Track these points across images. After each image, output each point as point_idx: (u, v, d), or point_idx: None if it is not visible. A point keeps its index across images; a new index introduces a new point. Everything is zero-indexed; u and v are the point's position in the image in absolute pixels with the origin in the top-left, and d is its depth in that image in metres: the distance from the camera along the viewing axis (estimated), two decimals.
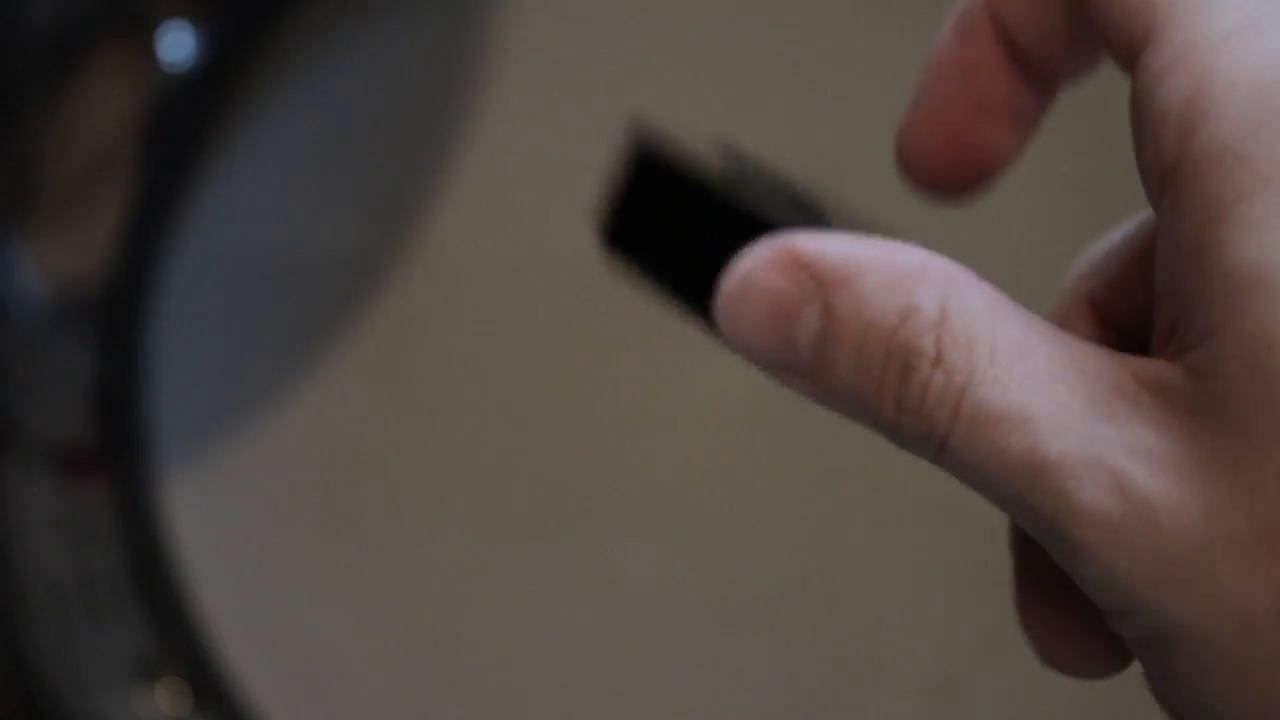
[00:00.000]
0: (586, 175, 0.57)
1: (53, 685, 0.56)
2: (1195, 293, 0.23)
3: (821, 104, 0.56)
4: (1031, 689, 0.54)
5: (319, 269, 0.57)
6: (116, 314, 0.56)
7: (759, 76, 0.57)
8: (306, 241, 0.57)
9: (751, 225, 0.29)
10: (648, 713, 0.55)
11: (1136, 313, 0.28)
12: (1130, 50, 0.26)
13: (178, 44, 0.57)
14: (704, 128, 0.58)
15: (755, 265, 0.26)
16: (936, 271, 0.26)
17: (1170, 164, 0.25)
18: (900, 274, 0.25)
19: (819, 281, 0.26)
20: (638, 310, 0.57)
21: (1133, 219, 0.28)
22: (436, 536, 0.56)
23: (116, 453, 0.56)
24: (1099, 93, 0.54)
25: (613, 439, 0.56)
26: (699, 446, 0.56)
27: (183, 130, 0.57)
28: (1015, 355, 0.24)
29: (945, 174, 0.31)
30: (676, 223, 0.29)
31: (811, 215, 0.30)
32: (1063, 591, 0.28)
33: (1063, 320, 0.29)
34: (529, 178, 0.57)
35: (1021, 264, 0.55)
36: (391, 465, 0.56)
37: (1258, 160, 0.23)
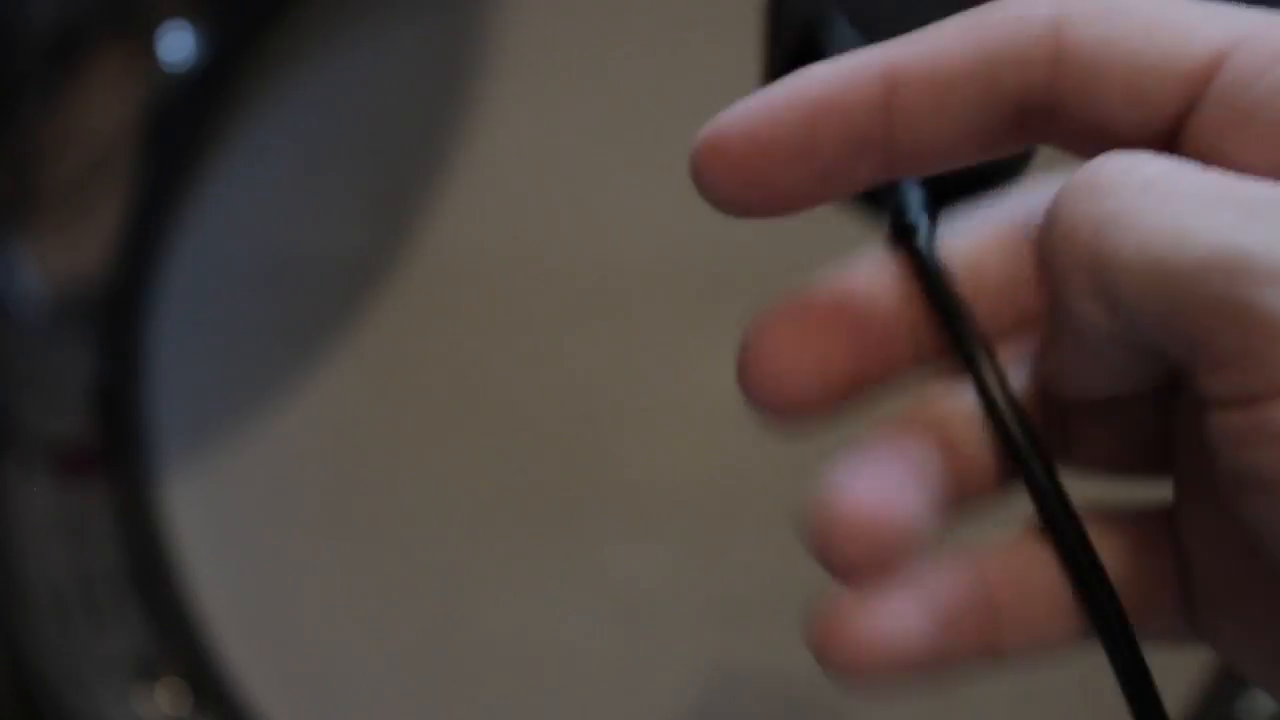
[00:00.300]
0: (586, 175, 0.57)
1: (53, 685, 0.56)
2: None
3: None
4: (1032, 689, 0.54)
5: (319, 269, 0.57)
6: (116, 314, 0.56)
7: (759, 76, 0.57)
8: (306, 241, 0.57)
9: None
10: (648, 713, 0.55)
11: None
12: (1192, 73, 0.24)
13: (178, 44, 0.57)
14: (703, 128, 0.58)
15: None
16: None
17: None
18: None
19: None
20: (638, 310, 0.57)
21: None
22: (436, 536, 0.56)
23: (116, 453, 0.56)
24: None
25: (613, 439, 0.56)
26: (699, 446, 0.56)
27: (183, 130, 0.57)
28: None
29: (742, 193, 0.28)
30: None
31: None
32: None
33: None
34: (529, 178, 0.57)
35: None
36: (391, 465, 0.56)
37: None
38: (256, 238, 0.57)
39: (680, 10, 0.57)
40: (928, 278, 0.27)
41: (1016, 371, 0.27)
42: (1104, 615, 0.25)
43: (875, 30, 0.27)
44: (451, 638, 0.55)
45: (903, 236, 0.27)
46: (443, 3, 0.57)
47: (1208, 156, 0.24)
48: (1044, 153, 0.27)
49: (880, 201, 0.28)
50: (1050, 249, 0.24)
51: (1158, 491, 0.28)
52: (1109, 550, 0.27)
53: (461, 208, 0.57)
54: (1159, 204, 0.22)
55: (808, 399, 0.27)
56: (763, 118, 0.27)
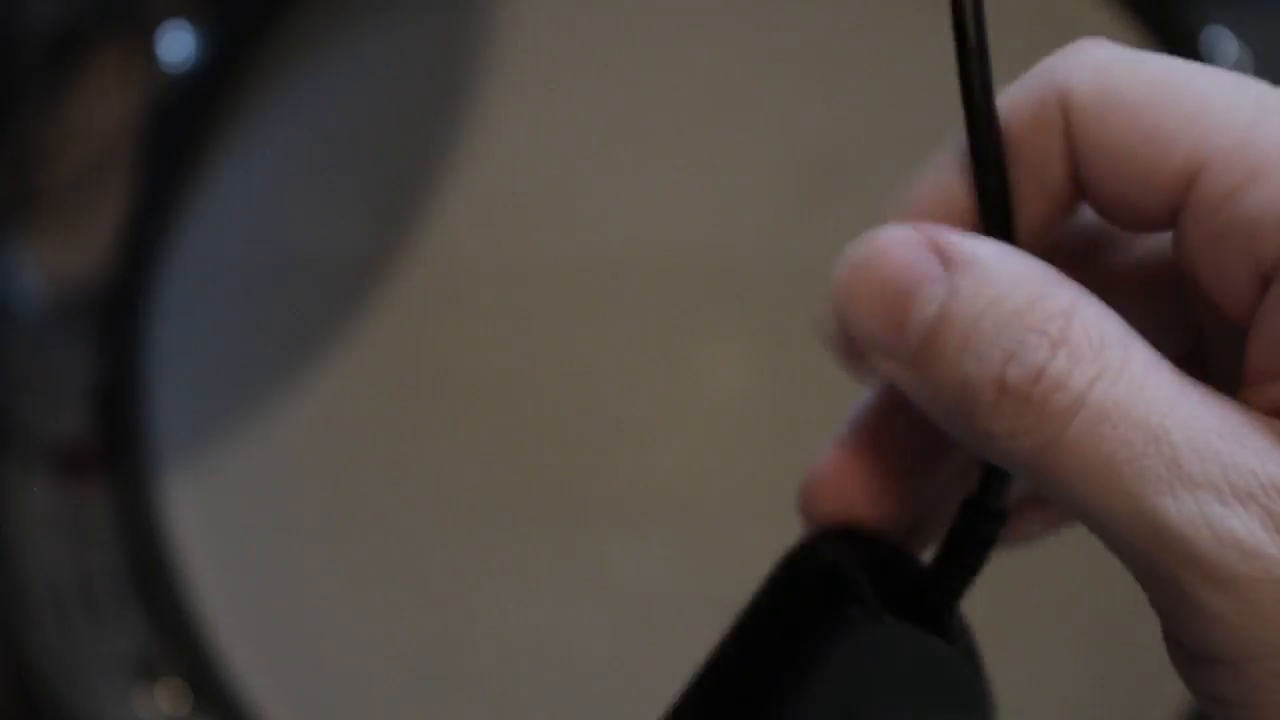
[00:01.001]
0: (586, 175, 0.57)
1: (53, 685, 0.56)
2: None
3: (821, 104, 0.56)
4: (1032, 689, 0.54)
5: (319, 269, 0.57)
6: (116, 314, 0.57)
7: (759, 76, 0.57)
8: (306, 241, 0.57)
9: None
10: (647, 712, 0.55)
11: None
12: (1167, 188, 0.25)
13: (178, 44, 0.57)
14: (704, 128, 0.58)
15: (887, 237, 0.26)
16: (1070, 282, 0.24)
17: (1275, 261, 0.24)
18: (1036, 272, 0.24)
19: (948, 262, 0.25)
20: (638, 310, 0.57)
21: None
22: (436, 536, 0.56)
23: (116, 453, 0.56)
24: None
25: (612, 439, 0.56)
26: (699, 446, 0.56)
27: (183, 130, 0.57)
28: (1149, 367, 0.23)
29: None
30: None
31: None
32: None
33: None
34: (529, 178, 0.57)
35: None
36: (391, 465, 0.56)
37: None
38: (256, 238, 0.57)
39: (680, 10, 0.57)
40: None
41: None
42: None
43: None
44: (451, 637, 0.55)
45: None
46: (443, 3, 0.57)
47: (1194, 263, 0.25)
48: None
49: None
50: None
51: None
52: None
53: (461, 207, 0.57)
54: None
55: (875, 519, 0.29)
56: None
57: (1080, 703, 0.54)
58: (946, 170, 0.28)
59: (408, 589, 0.56)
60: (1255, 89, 0.25)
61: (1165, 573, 0.23)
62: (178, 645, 0.55)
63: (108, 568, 0.56)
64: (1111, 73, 0.26)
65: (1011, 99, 0.27)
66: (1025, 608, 0.53)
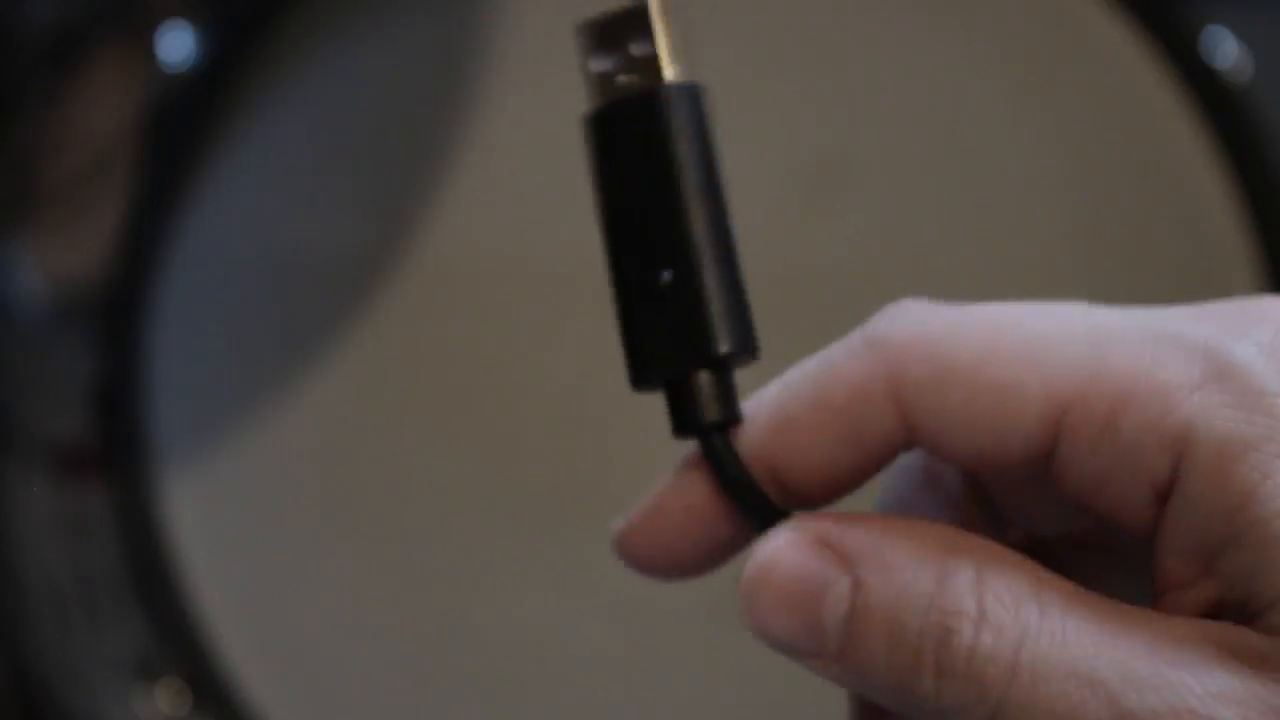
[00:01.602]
0: (586, 175, 0.57)
1: (53, 685, 0.56)
2: (1264, 562, 0.23)
3: (821, 104, 0.56)
4: None
5: (319, 269, 0.57)
6: (116, 314, 0.56)
7: (759, 76, 0.57)
8: (306, 241, 0.57)
9: None
10: (647, 712, 0.55)
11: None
12: (1026, 440, 0.25)
13: (178, 44, 0.57)
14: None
15: (777, 548, 0.26)
16: (965, 541, 0.25)
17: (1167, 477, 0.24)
18: (930, 545, 0.25)
19: (845, 559, 0.25)
20: None
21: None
22: (436, 536, 0.56)
23: (116, 453, 0.56)
24: (1098, 100, 0.54)
25: (613, 438, 0.56)
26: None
27: (183, 130, 0.57)
28: (1065, 611, 0.24)
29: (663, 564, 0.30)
30: None
31: None
32: None
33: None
34: (529, 178, 0.57)
35: (1021, 269, 0.55)
36: (391, 465, 0.56)
37: None
38: (256, 238, 0.57)
39: (679, 10, 0.57)
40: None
41: None
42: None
43: None
44: (451, 637, 0.55)
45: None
46: (443, 3, 0.57)
47: (1083, 494, 0.25)
48: None
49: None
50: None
51: None
52: None
53: (461, 207, 0.57)
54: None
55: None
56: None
57: None
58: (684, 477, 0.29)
59: (408, 589, 0.56)
60: (1082, 316, 0.25)
61: None
62: (178, 645, 0.55)
63: (108, 568, 0.56)
64: (938, 341, 0.25)
65: (832, 371, 0.27)
66: None
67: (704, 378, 0.27)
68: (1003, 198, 0.55)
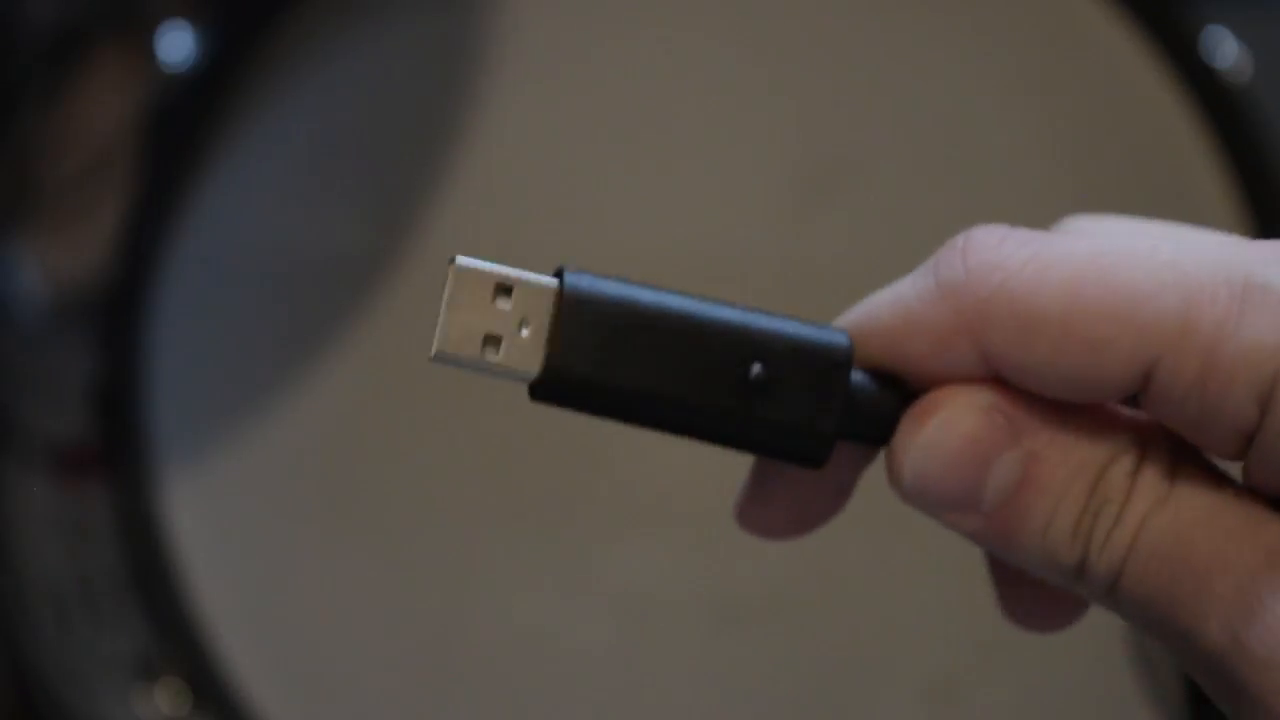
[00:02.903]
0: (586, 175, 0.57)
1: (53, 685, 0.56)
2: None
3: (821, 105, 0.56)
4: (1032, 689, 0.54)
5: (319, 269, 0.57)
6: (116, 314, 0.56)
7: (758, 76, 0.57)
8: (306, 241, 0.57)
9: None
10: (647, 712, 0.55)
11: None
12: (1114, 391, 0.26)
13: (178, 44, 0.57)
14: (703, 128, 0.58)
15: (952, 409, 0.26)
16: (1126, 419, 0.26)
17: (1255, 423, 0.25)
18: (1097, 423, 0.26)
19: (1018, 429, 0.26)
20: None
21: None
22: (437, 536, 0.56)
23: (116, 453, 0.56)
24: (1098, 100, 0.54)
25: (613, 438, 0.56)
26: (699, 446, 0.56)
27: (183, 130, 0.57)
28: (1200, 500, 0.25)
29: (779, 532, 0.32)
30: None
31: None
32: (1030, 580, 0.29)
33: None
34: (529, 177, 0.57)
35: None
36: (391, 465, 0.56)
37: None
38: (256, 238, 0.57)
39: (679, 10, 0.57)
40: None
41: None
42: None
43: None
44: (451, 638, 0.55)
45: None
46: (443, 3, 0.57)
47: (1171, 425, 0.26)
48: None
49: None
50: None
51: None
52: None
53: (461, 207, 0.57)
54: None
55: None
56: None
57: (1083, 702, 0.54)
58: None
59: (408, 589, 0.56)
60: (1165, 255, 0.25)
61: (1214, 691, 0.25)
62: (178, 645, 0.55)
63: (108, 568, 0.56)
64: (1023, 293, 0.26)
65: (910, 319, 0.27)
66: None
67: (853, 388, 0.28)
68: (1003, 197, 0.55)
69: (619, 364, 0.27)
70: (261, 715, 0.54)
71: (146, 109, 0.58)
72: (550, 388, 0.28)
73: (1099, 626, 0.53)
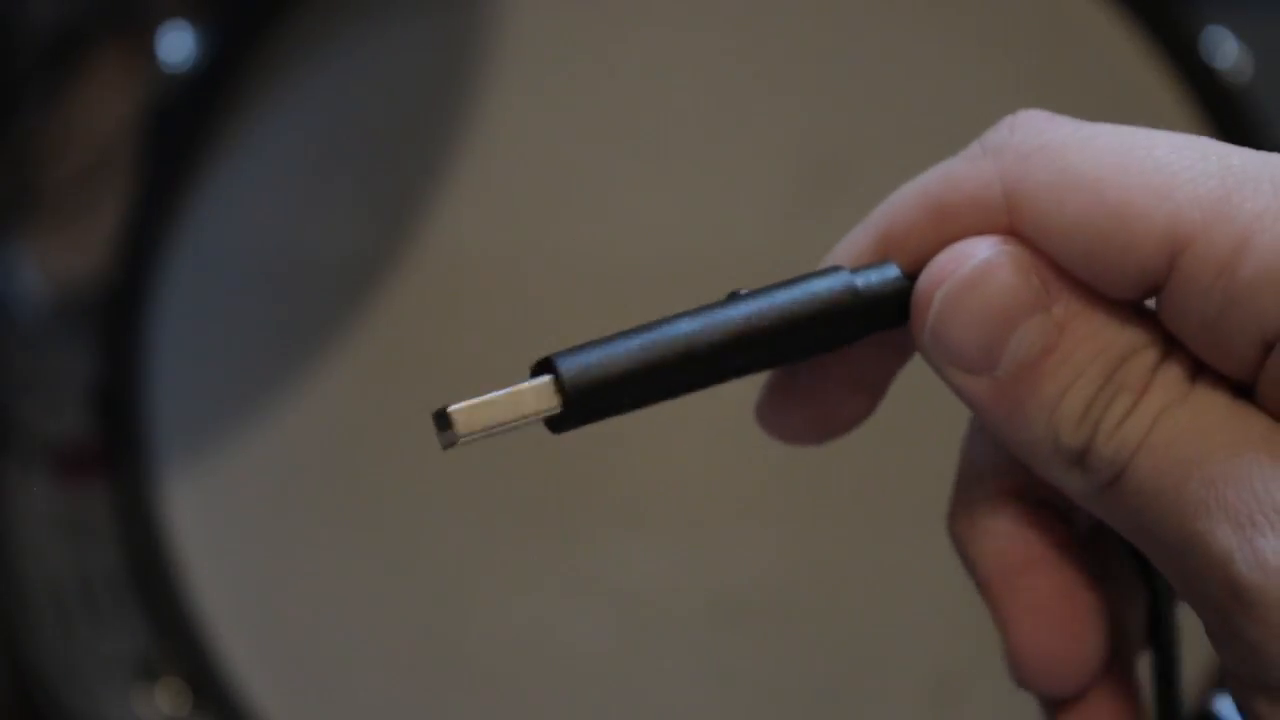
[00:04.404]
0: (586, 175, 0.57)
1: (53, 685, 0.56)
2: None
3: (821, 104, 0.56)
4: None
5: (319, 269, 0.57)
6: (116, 314, 0.56)
7: (758, 76, 0.57)
8: (306, 241, 0.57)
9: None
10: (647, 712, 0.55)
11: None
12: (1142, 266, 0.25)
13: (178, 44, 0.57)
14: (703, 128, 0.58)
15: (992, 259, 0.25)
16: (1151, 320, 0.26)
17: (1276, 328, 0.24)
18: (1125, 316, 0.25)
19: (1052, 296, 0.25)
20: (638, 309, 0.57)
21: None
22: (436, 536, 0.56)
23: (116, 453, 0.56)
24: (1098, 100, 0.54)
25: (613, 439, 0.56)
26: (699, 446, 0.56)
27: (183, 130, 0.57)
28: (1203, 398, 0.25)
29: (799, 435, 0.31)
30: None
31: None
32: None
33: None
34: (529, 178, 0.57)
35: None
36: (391, 465, 0.56)
37: None
38: (256, 238, 0.57)
39: (679, 10, 0.57)
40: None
41: None
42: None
43: None
44: (451, 636, 0.55)
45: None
46: (443, 3, 0.57)
47: (1185, 330, 0.25)
48: None
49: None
50: None
51: None
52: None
53: (461, 208, 0.57)
54: None
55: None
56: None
57: None
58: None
59: (407, 588, 0.56)
60: (1215, 151, 0.25)
61: (1211, 600, 0.24)
62: (178, 645, 0.55)
63: (108, 568, 0.56)
64: (1064, 149, 0.25)
65: (949, 178, 0.27)
66: None
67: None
68: None
69: (629, 357, 0.28)
70: (261, 715, 0.54)
71: (146, 109, 0.58)
72: (581, 400, 0.29)
73: None
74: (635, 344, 0.28)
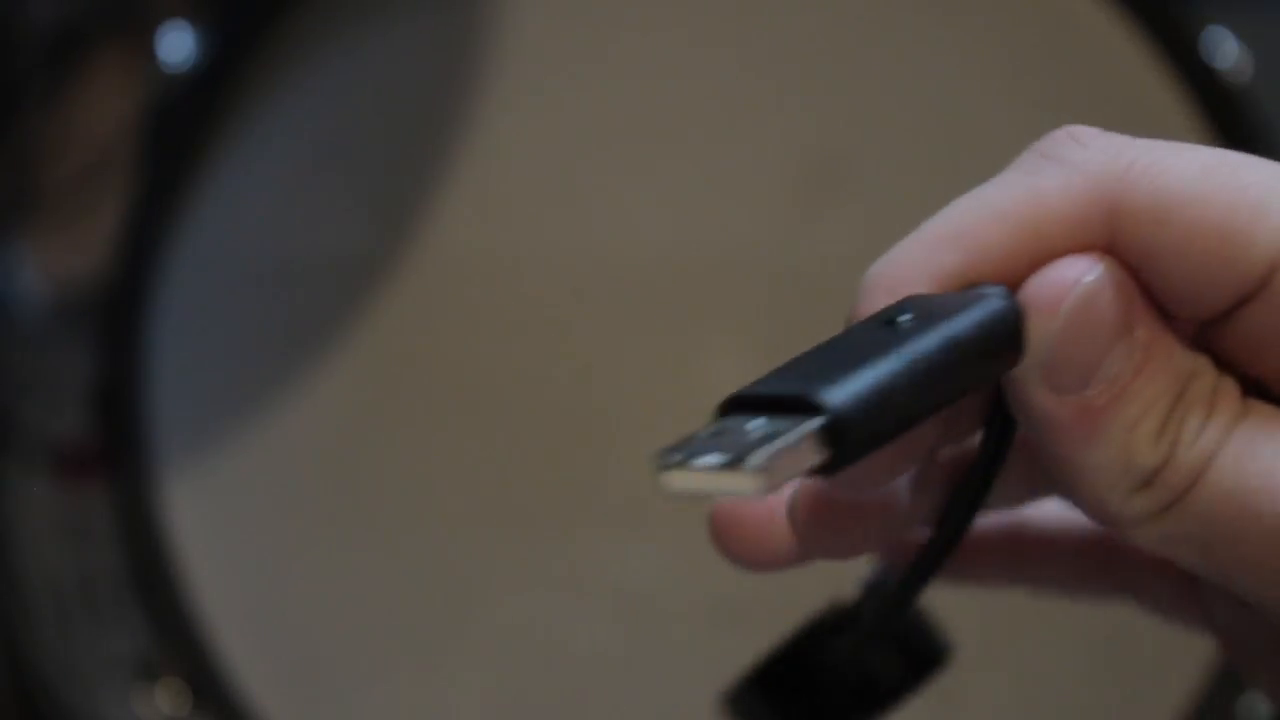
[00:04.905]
0: (587, 175, 0.57)
1: (53, 685, 0.56)
2: None
3: (821, 104, 0.56)
4: (1032, 689, 0.54)
5: (319, 269, 0.57)
6: (116, 314, 0.56)
7: (758, 76, 0.57)
8: (306, 241, 0.57)
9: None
10: (647, 712, 0.55)
11: None
12: (1239, 283, 0.25)
13: (178, 44, 0.57)
14: (703, 127, 0.58)
15: (1101, 275, 0.25)
16: (1197, 353, 0.26)
17: None
18: (1181, 338, 0.26)
19: (1136, 314, 0.26)
20: (637, 309, 0.57)
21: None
22: (436, 536, 0.56)
23: (116, 453, 0.56)
24: (1098, 100, 0.54)
25: (613, 438, 0.56)
26: None
27: (183, 130, 0.57)
28: (1263, 427, 0.25)
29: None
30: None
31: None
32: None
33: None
34: (529, 178, 0.57)
35: None
36: (391, 465, 0.56)
37: None
38: (257, 238, 0.57)
39: (680, 10, 0.57)
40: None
41: None
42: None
43: None
44: (451, 637, 0.55)
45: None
46: (443, 2, 0.57)
47: (1253, 348, 0.26)
48: None
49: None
50: None
51: None
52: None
53: (461, 208, 0.57)
54: None
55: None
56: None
57: (1083, 702, 0.54)
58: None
59: (408, 588, 0.56)
60: None
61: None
62: (178, 645, 0.55)
63: (108, 568, 0.56)
64: (1159, 169, 0.25)
65: (1036, 192, 0.26)
66: (1027, 608, 0.53)
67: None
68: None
69: (891, 388, 0.25)
70: (261, 715, 0.55)
71: (146, 109, 0.58)
72: (848, 424, 0.24)
73: (1099, 626, 0.53)
74: (886, 371, 0.24)
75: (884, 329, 0.25)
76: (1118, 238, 0.25)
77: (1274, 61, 0.54)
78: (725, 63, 0.57)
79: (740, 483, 0.23)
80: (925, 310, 0.25)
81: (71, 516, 0.58)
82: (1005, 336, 0.25)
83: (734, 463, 0.23)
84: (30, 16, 0.59)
